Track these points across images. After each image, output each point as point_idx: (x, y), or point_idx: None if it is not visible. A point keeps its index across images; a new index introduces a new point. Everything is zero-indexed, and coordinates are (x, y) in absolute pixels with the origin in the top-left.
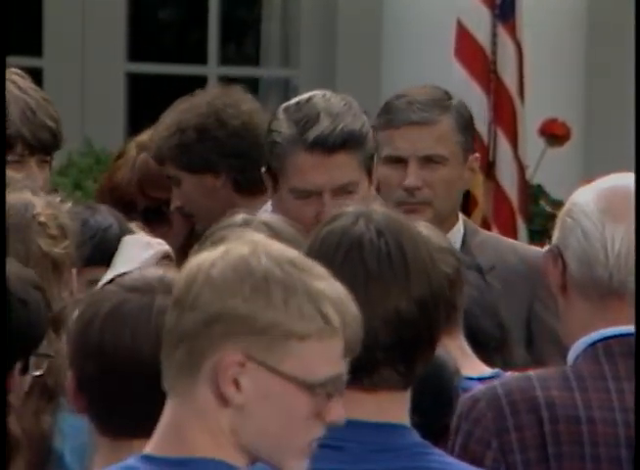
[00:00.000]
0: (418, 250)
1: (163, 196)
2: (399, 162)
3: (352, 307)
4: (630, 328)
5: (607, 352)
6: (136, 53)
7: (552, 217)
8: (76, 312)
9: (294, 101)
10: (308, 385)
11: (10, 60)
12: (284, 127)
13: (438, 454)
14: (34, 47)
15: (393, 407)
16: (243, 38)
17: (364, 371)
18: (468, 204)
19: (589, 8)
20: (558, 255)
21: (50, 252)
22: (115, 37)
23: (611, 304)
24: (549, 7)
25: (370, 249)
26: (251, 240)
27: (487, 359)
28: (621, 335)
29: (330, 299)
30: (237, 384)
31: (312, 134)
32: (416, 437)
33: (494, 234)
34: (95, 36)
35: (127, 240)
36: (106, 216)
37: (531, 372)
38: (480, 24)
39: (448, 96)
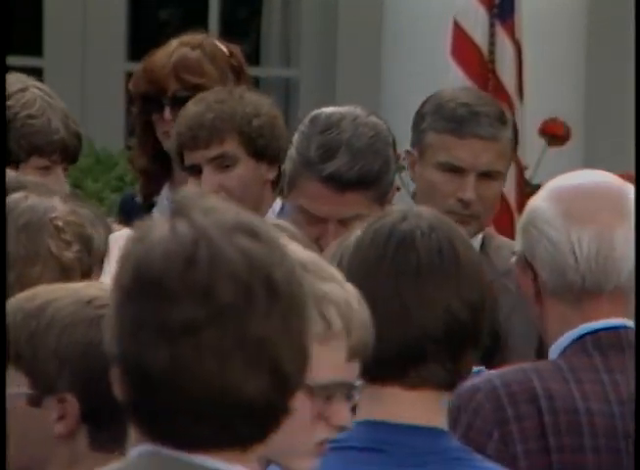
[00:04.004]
0: (470, 250)
1: (196, 81)
2: (457, 171)
3: (360, 312)
4: (620, 321)
5: (596, 345)
6: (136, 53)
7: None
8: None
9: (325, 114)
10: (307, 387)
11: (10, 59)
12: (304, 146)
13: (479, 460)
14: (35, 47)
15: (435, 409)
16: (243, 38)
17: (411, 364)
18: None
19: (589, 7)
20: (526, 264)
21: (60, 255)
22: (115, 37)
23: (587, 303)
24: (549, 6)
25: (421, 243)
26: None
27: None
28: (610, 328)
29: (334, 302)
30: None
31: (329, 168)
32: (456, 441)
33: (510, 240)
34: (95, 36)
35: (114, 236)
36: None
37: (526, 365)
38: (477, 24)
39: (501, 108)
